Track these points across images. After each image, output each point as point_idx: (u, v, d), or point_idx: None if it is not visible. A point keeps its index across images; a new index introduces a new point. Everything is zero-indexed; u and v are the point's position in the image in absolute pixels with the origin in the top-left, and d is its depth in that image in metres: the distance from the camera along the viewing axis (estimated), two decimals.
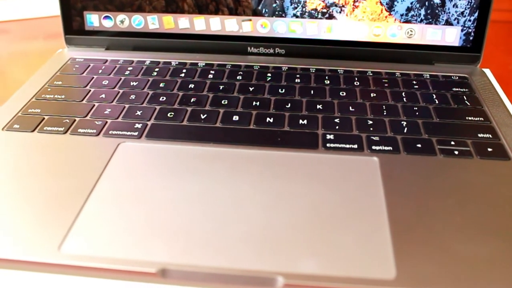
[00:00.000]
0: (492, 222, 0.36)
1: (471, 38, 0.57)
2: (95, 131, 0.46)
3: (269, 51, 0.60)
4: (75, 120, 0.47)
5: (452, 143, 0.44)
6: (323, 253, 0.33)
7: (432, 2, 0.56)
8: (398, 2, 0.57)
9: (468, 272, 0.32)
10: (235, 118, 0.48)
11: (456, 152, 0.43)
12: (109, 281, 0.32)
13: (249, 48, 0.60)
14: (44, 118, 0.48)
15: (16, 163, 0.42)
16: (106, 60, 0.59)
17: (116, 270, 0.32)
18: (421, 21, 0.57)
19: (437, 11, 0.56)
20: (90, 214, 0.36)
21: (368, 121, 0.47)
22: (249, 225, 0.35)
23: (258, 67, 0.58)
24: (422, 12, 0.56)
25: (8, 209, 0.37)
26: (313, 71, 0.57)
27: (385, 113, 0.49)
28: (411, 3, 0.56)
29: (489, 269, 0.32)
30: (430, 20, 0.57)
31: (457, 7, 0.56)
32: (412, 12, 0.57)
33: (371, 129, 0.46)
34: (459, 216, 0.36)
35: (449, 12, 0.56)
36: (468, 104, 0.51)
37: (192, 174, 0.40)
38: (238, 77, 0.55)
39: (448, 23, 0.56)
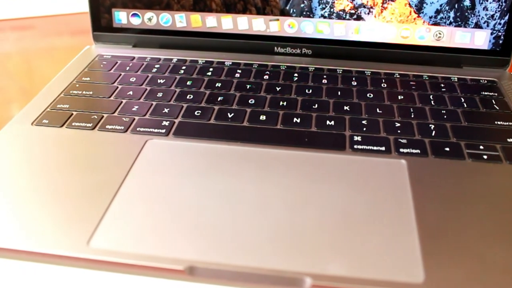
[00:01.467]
0: None
1: (500, 41, 0.56)
2: (122, 127, 0.46)
3: (295, 51, 0.60)
4: (103, 116, 0.48)
5: (481, 147, 0.44)
6: (350, 255, 0.33)
7: (461, 5, 0.55)
8: (427, 4, 0.56)
9: (496, 278, 0.32)
10: (262, 117, 0.48)
11: (485, 157, 0.43)
12: (137, 277, 0.32)
13: (275, 48, 0.60)
14: (72, 114, 0.48)
15: (45, 158, 0.42)
16: (133, 58, 0.60)
17: (144, 267, 0.32)
18: (450, 23, 0.56)
19: (466, 13, 0.56)
20: (118, 210, 0.36)
21: (396, 123, 0.47)
22: (277, 224, 0.35)
23: (285, 67, 0.58)
24: (451, 14, 0.56)
25: (37, 204, 0.37)
26: (340, 72, 0.56)
27: (412, 116, 0.48)
28: (441, 6, 0.56)
29: None
30: (459, 22, 0.56)
31: (487, 10, 0.55)
32: (441, 15, 0.56)
33: (399, 131, 0.46)
34: (489, 221, 0.36)
35: (479, 15, 0.56)
36: (497, 108, 0.50)
37: (219, 173, 0.40)
38: (265, 77, 0.55)
39: (477, 26, 0.56)
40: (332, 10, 0.58)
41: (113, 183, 0.39)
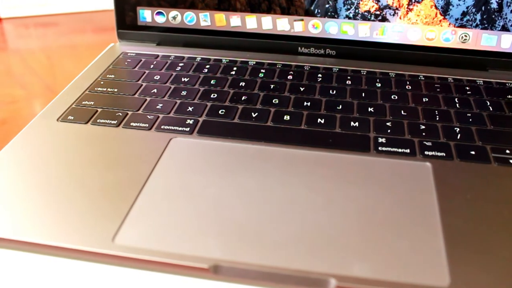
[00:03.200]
0: None
1: None
2: (147, 125, 0.46)
3: (319, 51, 0.60)
4: (127, 114, 0.48)
5: (507, 151, 0.43)
6: (375, 257, 0.33)
7: (489, 7, 0.55)
8: (453, 6, 0.56)
9: None
10: (286, 117, 0.47)
11: (511, 161, 0.42)
12: (161, 275, 0.32)
13: (299, 48, 0.60)
14: (97, 111, 0.48)
15: (71, 154, 0.42)
16: (158, 56, 0.60)
17: (168, 264, 0.32)
18: (476, 26, 0.56)
19: (493, 16, 0.55)
20: (143, 207, 0.36)
21: (421, 125, 0.47)
22: (301, 225, 0.35)
23: (309, 67, 0.57)
24: (478, 17, 0.56)
25: (63, 199, 0.37)
26: (364, 73, 0.56)
27: (437, 119, 0.48)
28: (467, 8, 0.55)
29: None
30: (486, 25, 0.56)
31: None
32: (468, 17, 0.56)
33: (424, 134, 0.46)
34: None
35: (506, 18, 0.55)
36: None
37: (243, 172, 0.40)
38: (288, 77, 0.55)
39: (504, 29, 0.55)
40: (357, 11, 0.58)
41: (138, 180, 0.39)
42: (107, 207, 0.36)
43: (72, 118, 0.47)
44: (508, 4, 0.54)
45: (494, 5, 0.55)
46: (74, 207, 0.36)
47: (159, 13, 0.61)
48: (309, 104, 0.50)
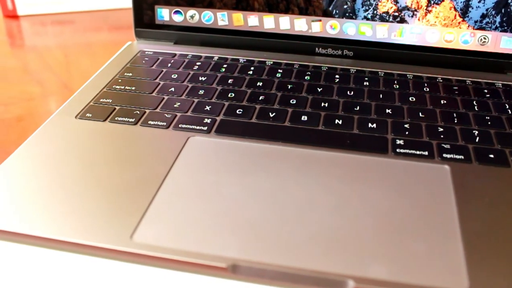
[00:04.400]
0: None
1: None
2: (165, 123, 0.46)
3: (337, 52, 0.60)
4: (145, 112, 0.48)
5: None
6: (393, 259, 0.33)
7: (509, 10, 0.55)
8: (472, 8, 0.55)
9: None
10: (304, 118, 0.47)
11: None
12: (179, 273, 0.33)
13: (317, 48, 0.60)
14: (115, 109, 0.48)
15: (89, 151, 0.42)
16: (175, 54, 0.60)
17: (186, 263, 0.32)
18: (496, 28, 0.56)
19: None
20: (161, 205, 0.37)
21: (439, 128, 0.46)
22: (320, 226, 0.35)
23: (326, 68, 0.57)
24: (498, 19, 0.55)
25: (82, 196, 0.37)
26: (382, 75, 0.56)
27: (456, 121, 0.48)
28: (487, 10, 0.55)
29: None
30: (505, 27, 0.55)
31: None
32: (487, 19, 0.55)
33: (442, 136, 0.45)
34: None
35: None
36: None
37: (261, 172, 0.40)
38: (306, 77, 0.55)
39: None
40: (375, 12, 0.57)
41: (156, 178, 0.39)
42: (125, 205, 0.36)
43: (90, 115, 0.47)
44: None
45: None
46: (92, 205, 0.36)
47: (177, 12, 0.62)
48: (326, 105, 0.50)
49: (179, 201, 0.37)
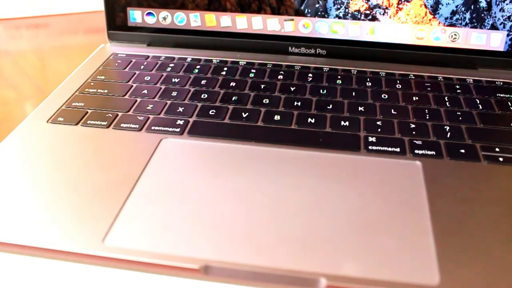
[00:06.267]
0: None
1: None
2: (137, 126, 0.46)
3: (310, 51, 0.60)
4: (117, 115, 0.48)
5: (497, 149, 0.44)
6: (365, 256, 0.33)
7: (478, 6, 0.55)
8: (443, 5, 0.56)
9: None
10: (277, 117, 0.47)
11: (501, 159, 0.42)
12: (152, 276, 0.32)
13: (290, 48, 0.60)
14: (87, 112, 0.48)
15: (61, 155, 0.42)
16: (148, 56, 0.60)
17: (159, 265, 0.32)
18: (466, 25, 0.56)
19: (482, 15, 0.55)
20: (133, 208, 0.36)
21: (411, 124, 0.47)
22: (292, 225, 0.35)
23: (299, 67, 0.57)
24: (467, 16, 0.56)
25: (53, 201, 0.37)
26: (355, 73, 0.56)
27: (427, 117, 0.48)
28: (457, 7, 0.56)
29: None
30: (475, 24, 0.56)
31: (503, 11, 0.55)
32: (457, 16, 0.56)
33: (414, 133, 0.46)
34: (505, 224, 0.36)
35: (495, 16, 0.55)
36: None
37: (234, 172, 0.40)
38: (279, 77, 0.55)
39: (493, 27, 0.56)
40: (347, 10, 0.58)
41: (128, 181, 0.39)
42: (97, 209, 0.36)
43: (62, 119, 0.47)
44: (497, 2, 0.55)
45: (483, 4, 0.55)
46: (63, 209, 0.36)
47: (149, 14, 0.61)
48: (299, 104, 0.50)
49: (152, 204, 0.37)
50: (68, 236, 0.34)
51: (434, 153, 0.43)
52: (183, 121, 0.47)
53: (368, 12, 0.57)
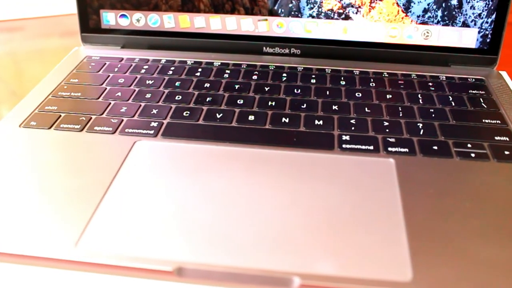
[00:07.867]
0: (510, 225, 0.36)
1: (488, 40, 0.56)
2: (111, 129, 0.46)
3: (284, 51, 0.60)
4: (91, 118, 0.47)
5: (469, 145, 0.44)
6: (339, 254, 0.33)
7: (449, 4, 0.56)
8: (414, 3, 0.56)
9: (485, 276, 0.32)
10: (251, 118, 0.48)
11: (473, 155, 0.43)
12: (125, 279, 0.32)
13: (264, 48, 0.60)
14: (60, 116, 0.48)
15: (33, 160, 0.42)
16: (122, 59, 0.60)
17: (132, 268, 0.32)
18: (438, 22, 0.57)
19: (454, 12, 0.56)
20: (107, 211, 0.36)
21: (384, 122, 0.47)
22: (265, 225, 0.35)
23: (274, 67, 0.58)
24: (439, 13, 0.56)
25: (25, 205, 0.37)
26: (329, 72, 0.57)
27: (401, 115, 0.48)
28: (428, 5, 0.56)
29: (507, 273, 0.32)
30: (447, 21, 0.56)
31: (474, 8, 0.55)
32: (429, 14, 0.56)
33: (387, 130, 0.46)
34: (477, 219, 0.36)
35: (466, 14, 0.56)
36: (485, 106, 0.50)
37: (208, 173, 0.40)
38: (253, 77, 0.55)
39: (465, 25, 0.56)
40: (320, 10, 0.58)
41: (102, 184, 0.39)
42: (70, 213, 0.36)
43: (35, 123, 0.47)
44: (468, 0, 0.55)
45: (454, 2, 0.56)
46: (36, 214, 0.36)
47: (122, 16, 0.61)
48: (273, 103, 0.50)
49: (125, 207, 0.37)
50: (41, 241, 0.34)
51: (407, 150, 0.43)
52: (157, 123, 0.47)
53: (341, 11, 0.58)
